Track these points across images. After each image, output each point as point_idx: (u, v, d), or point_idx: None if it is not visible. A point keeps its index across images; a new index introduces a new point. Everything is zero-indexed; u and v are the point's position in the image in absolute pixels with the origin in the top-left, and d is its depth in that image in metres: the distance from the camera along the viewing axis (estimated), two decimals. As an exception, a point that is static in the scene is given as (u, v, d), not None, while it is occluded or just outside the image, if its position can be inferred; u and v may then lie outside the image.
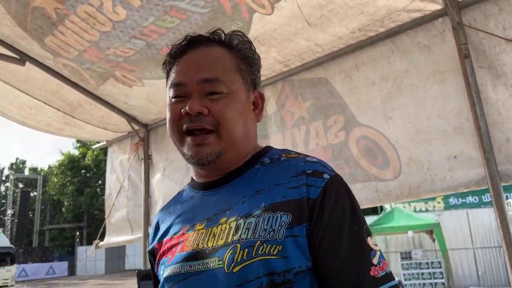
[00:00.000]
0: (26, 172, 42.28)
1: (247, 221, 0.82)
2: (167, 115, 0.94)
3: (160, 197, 3.58)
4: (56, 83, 3.15)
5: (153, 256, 1.01)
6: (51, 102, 3.41)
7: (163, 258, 0.93)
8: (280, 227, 0.79)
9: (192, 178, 1.04)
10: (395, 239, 13.18)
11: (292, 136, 2.74)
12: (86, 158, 34.45)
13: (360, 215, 0.84)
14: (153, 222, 1.08)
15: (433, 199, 15.29)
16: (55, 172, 36.34)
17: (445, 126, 2.10)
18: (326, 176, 0.84)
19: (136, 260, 27.10)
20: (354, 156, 2.43)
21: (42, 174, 37.93)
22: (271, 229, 0.79)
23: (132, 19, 2.35)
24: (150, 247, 1.03)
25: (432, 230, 11.54)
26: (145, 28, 2.42)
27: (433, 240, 12.07)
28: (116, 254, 29.48)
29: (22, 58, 2.87)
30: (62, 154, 36.66)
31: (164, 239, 0.96)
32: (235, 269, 0.77)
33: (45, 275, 26.21)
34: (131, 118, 3.65)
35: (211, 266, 0.80)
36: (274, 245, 0.77)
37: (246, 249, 0.78)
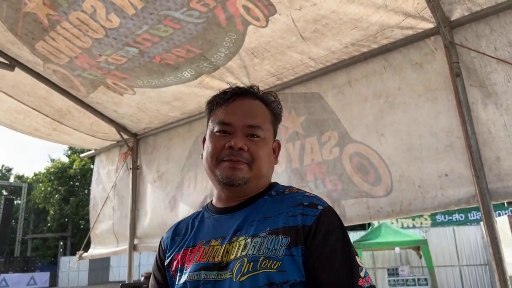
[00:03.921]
0: (12, 180, 41.43)
1: (254, 240, 1.00)
2: (210, 145, 1.12)
3: (149, 210, 3.50)
4: (45, 89, 3.10)
5: (169, 264, 1.16)
6: (40, 108, 3.35)
7: (180, 266, 1.11)
8: (280, 247, 0.97)
9: (211, 202, 1.22)
10: (382, 255, 13.18)
11: (286, 150, 2.72)
12: (74, 166, 33.88)
13: (349, 238, 1.03)
14: (167, 235, 1.24)
15: (421, 215, 15.38)
16: (42, 179, 35.65)
17: (436, 144, 2.10)
18: (319, 207, 1.03)
19: (120, 271, 26.56)
20: (347, 172, 2.42)
21: (27, 181, 37.20)
22: (273, 248, 0.98)
23: (126, 27, 2.33)
24: (169, 255, 1.18)
25: (419, 247, 11.57)
26: (138, 36, 2.40)
27: (420, 257, 12.10)
28: (100, 265, 28.86)
29: (12, 63, 2.82)
30: (52, 161, 36.10)
31: (183, 250, 1.13)
32: (242, 279, 0.96)
33: (26, 285, 25.47)
34: (120, 127, 3.60)
35: (224, 277, 0.99)
36: (275, 261, 0.96)
37: (252, 263, 0.97)
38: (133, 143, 3.71)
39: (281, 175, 2.72)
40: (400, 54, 2.28)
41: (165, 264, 1.17)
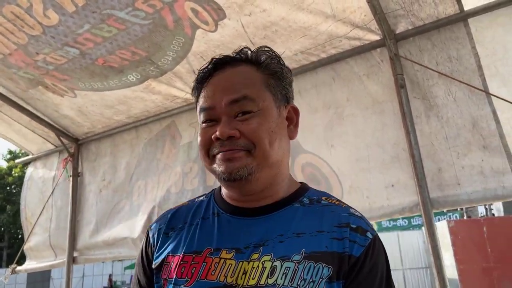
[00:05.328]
0: None
1: (285, 265, 0.79)
2: (198, 140, 0.90)
3: (93, 221, 3.29)
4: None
5: (159, 267, 0.90)
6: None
7: (177, 276, 0.85)
8: (320, 279, 0.77)
9: (220, 193, 0.97)
10: (331, 260, 13.42)
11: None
12: (12, 174, 31.68)
13: (391, 279, 0.87)
14: (158, 225, 0.97)
15: (367, 221, 15.93)
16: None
17: (383, 155, 2.14)
18: (369, 235, 0.84)
19: (62, 283, 25.15)
20: (299, 183, 2.39)
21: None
22: (311, 280, 0.77)
23: (65, 25, 2.18)
24: (159, 255, 0.91)
25: (366, 252, 11.91)
26: (79, 35, 2.25)
27: (367, 262, 12.48)
28: (40, 277, 27.12)
29: None
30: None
31: (184, 255, 0.87)
32: None
33: (-46, 301, 23.42)
34: (60, 132, 3.37)
35: None
36: None
37: None
38: (75, 148, 3.48)
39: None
40: (348, 65, 2.31)
41: (153, 265, 0.92)
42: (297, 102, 2.48)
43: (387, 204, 2.09)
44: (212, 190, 1.03)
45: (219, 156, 0.85)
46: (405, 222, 16.38)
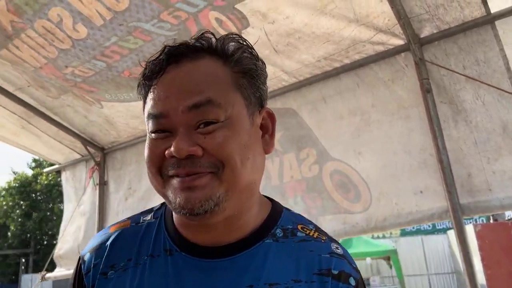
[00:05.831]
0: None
1: None
2: (145, 154, 0.68)
3: (119, 229, 3.36)
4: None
5: None
6: (6, 105, 3.10)
7: None
8: None
9: (171, 216, 0.76)
10: (353, 266, 13.26)
11: (265, 167, 2.67)
12: (39, 182, 32.49)
13: None
14: (93, 260, 0.75)
15: (390, 226, 15.68)
16: (2, 194, 33.97)
17: (410, 161, 2.12)
18: (352, 281, 0.71)
19: (86, 289, 25.56)
20: (327, 190, 2.39)
21: (-14, 196, 35.40)
22: None
23: (94, 38, 2.24)
24: None
25: (390, 257, 11.75)
26: (106, 48, 2.31)
27: (390, 267, 12.30)
28: (65, 284, 27.59)
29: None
30: (15, 173, 34.56)
31: None
32: None
33: (-17, 306, 24.07)
34: (87, 141, 3.46)
35: None
36: None
37: None
38: (101, 157, 3.56)
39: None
40: (372, 70, 2.30)
41: None
42: (322, 108, 2.51)
43: (416, 210, 2.06)
44: (162, 206, 0.81)
45: (175, 183, 0.64)
46: (429, 226, 16.05)
